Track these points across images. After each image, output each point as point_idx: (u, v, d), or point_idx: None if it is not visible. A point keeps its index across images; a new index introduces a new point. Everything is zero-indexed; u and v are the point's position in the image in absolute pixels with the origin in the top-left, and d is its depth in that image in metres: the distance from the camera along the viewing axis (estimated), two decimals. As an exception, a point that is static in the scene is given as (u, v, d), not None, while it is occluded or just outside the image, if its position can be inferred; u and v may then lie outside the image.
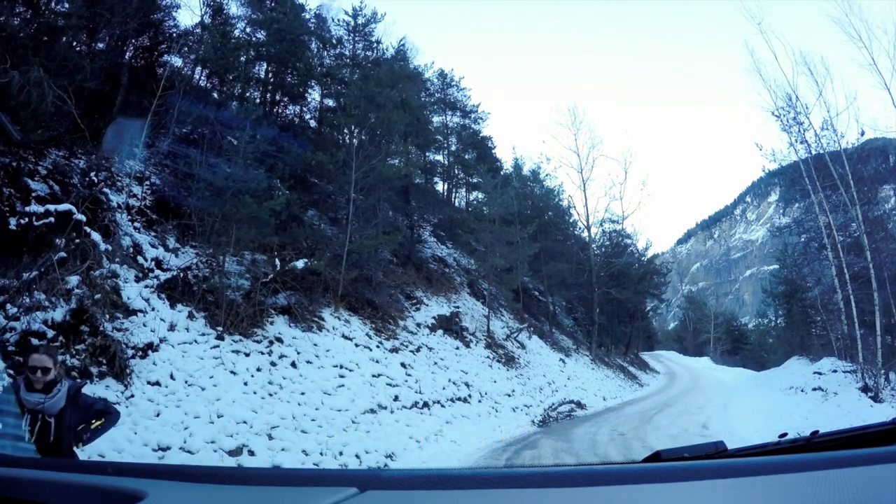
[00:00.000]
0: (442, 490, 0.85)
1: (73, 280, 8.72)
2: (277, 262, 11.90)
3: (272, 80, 18.13)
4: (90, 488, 1.01)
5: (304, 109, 20.90)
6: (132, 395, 7.82)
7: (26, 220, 9.02)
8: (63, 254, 8.39)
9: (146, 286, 10.38)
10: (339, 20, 21.81)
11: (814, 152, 19.02)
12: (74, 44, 12.96)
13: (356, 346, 12.51)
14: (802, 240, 22.24)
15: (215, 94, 16.78)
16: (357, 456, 8.50)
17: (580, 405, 17.03)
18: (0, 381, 6.85)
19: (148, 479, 1.02)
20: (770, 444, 1.13)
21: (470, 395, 13.82)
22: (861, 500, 0.65)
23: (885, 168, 21.98)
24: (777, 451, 1.07)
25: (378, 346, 13.22)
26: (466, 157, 29.43)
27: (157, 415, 7.55)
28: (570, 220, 32.25)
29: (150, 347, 8.92)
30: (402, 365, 13.04)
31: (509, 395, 15.43)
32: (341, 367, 11.25)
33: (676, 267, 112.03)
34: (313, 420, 8.99)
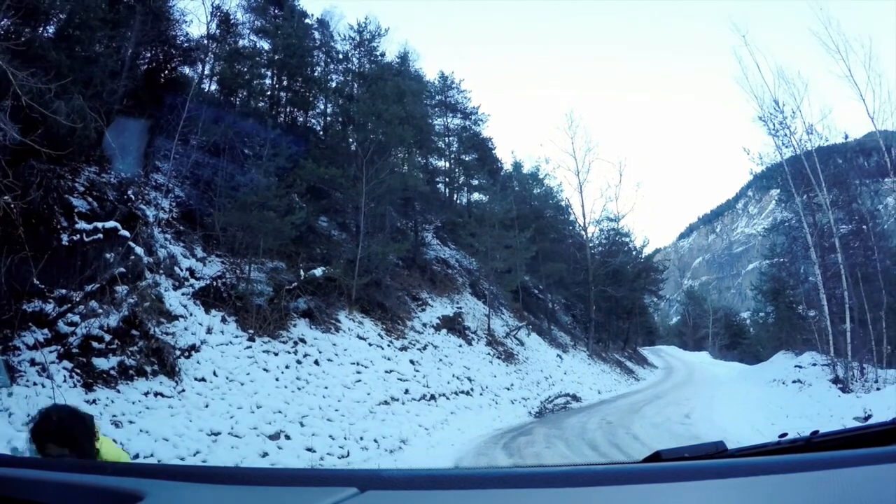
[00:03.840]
0: (442, 490, 0.86)
1: (123, 290, 10.01)
2: (302, 271, 13.19)
3: (280, 90, 19.35)
4: (90, 488, 1.02)
5: (313, 120, 22.10)
6: (183, 390, 9.13)
7: (77, 236, 10.26)
8: (122, 269, 9.65)
9: (183, 294, 11.69)
10: (345, 35, 23.09)
11: (798, 152, 20.07)
12: (102, 65, 14.06)
13: (370, 345, 13.81)
14: (786, 240, 23.36)
15: (231, 110, 17.94)
16: (375, 440, 9.85)
17: (576, 398, 18.21)
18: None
19: (148, 478, 1.03)
20: (770, 444, 1.14)
21: (472, 389, 15.09)
22: (861, 500, 0.64)
23: (856, 169, 23.03)
24: (777, 451, 1.07)
25: (389, 345, 14.50)
26: (467, 158, 30.12)
27: (206, 406, 8.87)
28: (569, 219, 33.30)
29: (193, 349, 10.22)
30: (411, 362, 14.30)
31: (508, 389, 16.66)
32: (358, 364, 12.57)
33: (678, 262, 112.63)
34: (336, 410, 10.33)
